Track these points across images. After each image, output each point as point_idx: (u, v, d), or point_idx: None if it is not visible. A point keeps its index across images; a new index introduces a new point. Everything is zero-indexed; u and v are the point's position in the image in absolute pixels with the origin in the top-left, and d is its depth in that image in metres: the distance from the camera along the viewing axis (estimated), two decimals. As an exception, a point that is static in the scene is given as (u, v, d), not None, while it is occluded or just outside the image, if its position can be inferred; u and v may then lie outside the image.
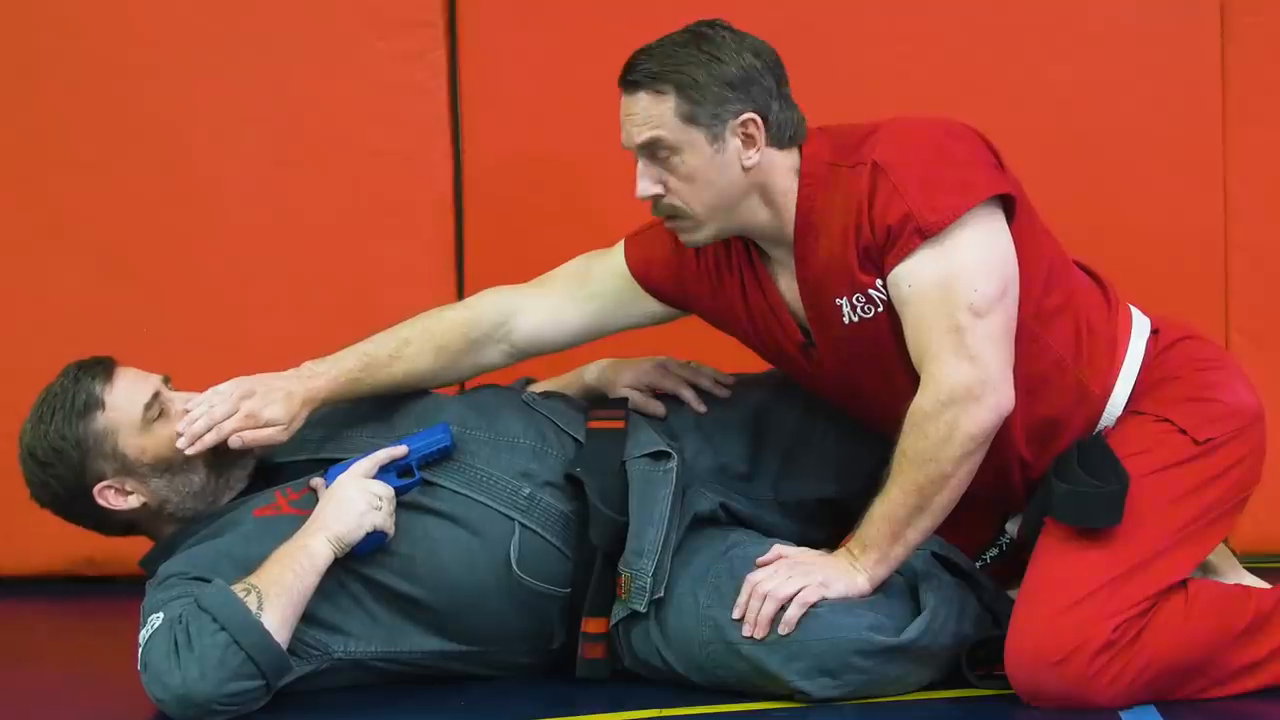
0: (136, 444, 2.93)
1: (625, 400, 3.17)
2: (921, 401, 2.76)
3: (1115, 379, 2.93)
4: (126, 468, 2.93)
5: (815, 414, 3.13)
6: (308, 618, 2.83)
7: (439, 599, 2.92)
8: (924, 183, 2.75)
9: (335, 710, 2.85)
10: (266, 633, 2.74)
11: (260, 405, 2.92)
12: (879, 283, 2.80)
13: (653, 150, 2.83)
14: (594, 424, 3.08)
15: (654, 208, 2.89)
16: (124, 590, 3.36)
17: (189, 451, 2.90)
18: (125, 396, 2.94)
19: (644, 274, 3.07)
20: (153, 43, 3.80)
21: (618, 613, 2.90)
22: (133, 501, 2.95)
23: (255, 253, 3.81)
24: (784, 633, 2.78)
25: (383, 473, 2.94)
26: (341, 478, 2.92)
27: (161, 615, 2.76)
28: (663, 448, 3.00)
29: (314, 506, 2.90)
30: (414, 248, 3.81)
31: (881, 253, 2.77)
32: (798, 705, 2.80)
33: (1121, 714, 2.71)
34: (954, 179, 2.76)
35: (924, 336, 2.76)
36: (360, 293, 3.76)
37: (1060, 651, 2.71)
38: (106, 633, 3.48)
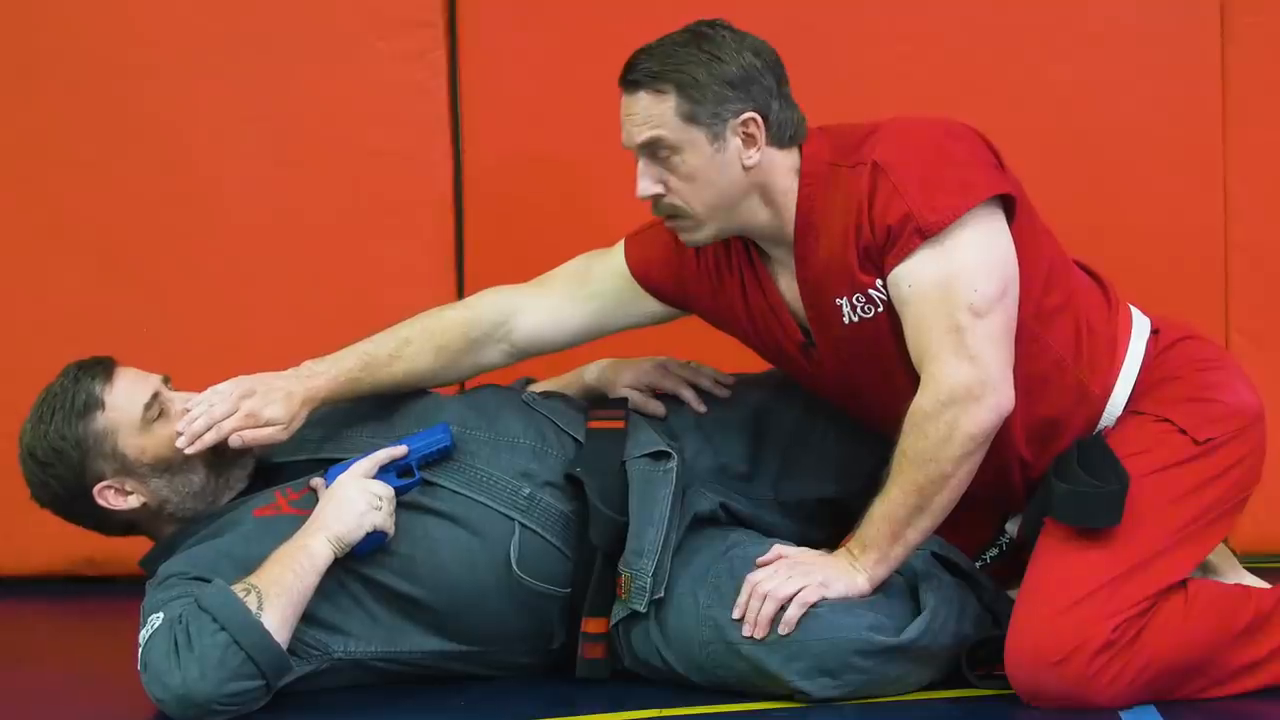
0: (136, 444, 2.93)
1: (625, 400, 3.17)
2: (921, 401, 2.76)
3: (1115, 379, 2.93)
4: (126, 468, 2.93)
5: (815, 414, 3.13)
6: (308, 618, 2.83)
7: (439, 599, 2.92)
8: (924, 183, 2.75)
9: (335, 710, 2.85)
10: (266, 633, 2.74)
11: (260, 405, 2.92)
12: (879, 283, 2.80)
13: (653, 150, 2.83)
14: (594, 424, 3.08)
15: (654, 207, 2.89)
16: (124, 590, 3.35)
17: (189, 451, 2.90)
18: (125, 396, 2.94)
19: (644, 274, 3.07)
20: (153, 43, 3.80)
21: (618, 613, 2.90)
22: (132, 501, 2.95)
23: (255, 253, 3.81)
24: (784, 633, 2.78)
25: (383, 473, 2.94)
26: (341, 478, 2.92)
27: (161, 615, 2.76)
28: (663, 448, 3.00)
29: (314, 506, 2.90)
30: (414, 248, 3.81)
31: (881, 253, 2.77)
32: (798, 705, 2.80)
33: (1121, 714, 2.71)
34: (954, 179, 2.76)
35: (924, 336, 2.76)
36: (360, 293, 3.76)
37: (1060, 651, 2.71)
38: (106, 633, 3.48)
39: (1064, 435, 2.90)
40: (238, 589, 2.76)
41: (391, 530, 2.90)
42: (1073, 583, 2.75)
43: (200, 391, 2.96)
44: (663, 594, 2.87)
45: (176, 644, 2.72)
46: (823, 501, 3.13)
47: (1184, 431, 2.87)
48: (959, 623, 2.86)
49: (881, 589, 2.84)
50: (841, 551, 2.86)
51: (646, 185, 2.86)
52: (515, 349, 3.11)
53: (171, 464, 2.94)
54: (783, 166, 2.86)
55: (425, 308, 3.15)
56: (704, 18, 2.87)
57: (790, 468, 3.13)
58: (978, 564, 3.02)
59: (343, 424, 3.07)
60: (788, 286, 2.93)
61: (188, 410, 2.92)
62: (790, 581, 2.80)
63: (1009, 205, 2.80)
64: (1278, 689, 2.80)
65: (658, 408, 3.18)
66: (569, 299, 3.10)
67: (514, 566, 2.92)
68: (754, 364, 3.17)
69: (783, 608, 2.78)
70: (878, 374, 2.87)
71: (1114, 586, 2.74)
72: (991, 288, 2.75)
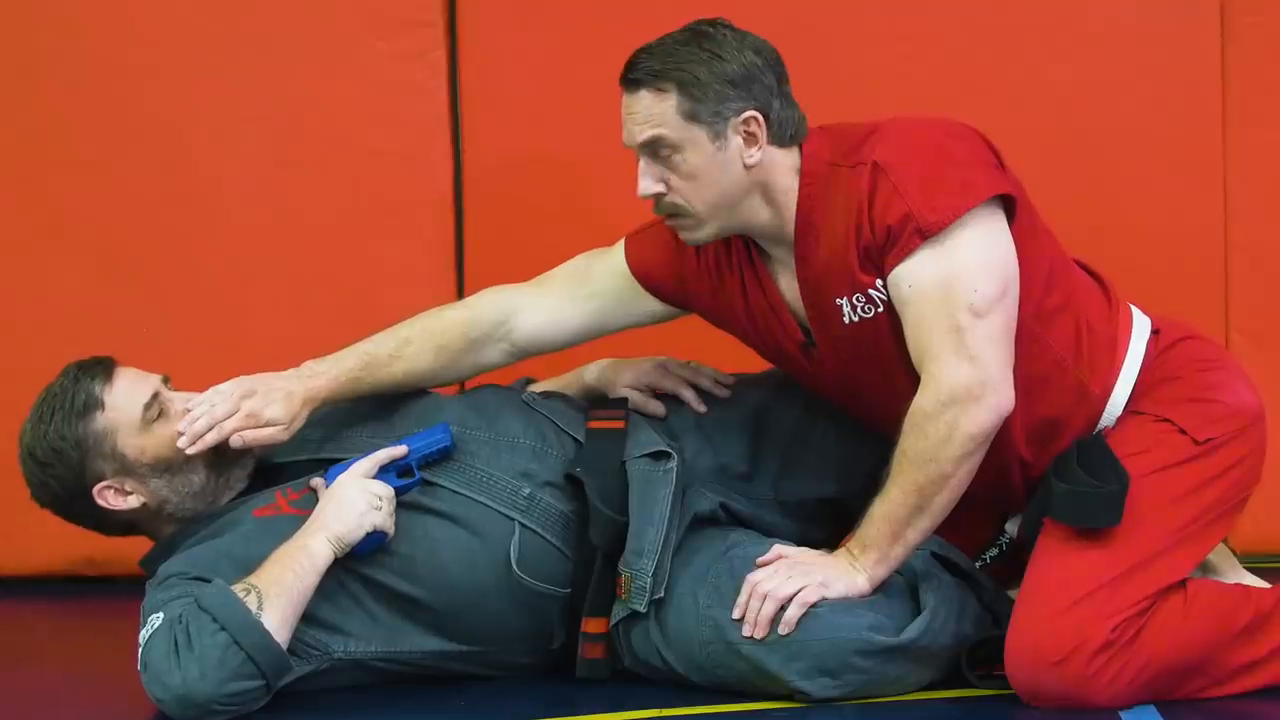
0: (136, 444, 2.93)
1: (625, 400, 3.17)
2: (921, 401, 2.76)
3: (1115, 379, 2.93)
4: (126, 468, 2.93)
5: (815, 414, 3.13)
6: (308, 618, 2.83)
7: (439, 599, 2.92)
8: (924, 183, 2.75)
9: (335, 710, 2.85)
10: (266, 633, 2.74)
11: (261, 405, 2.92)
12: (879, 283, 2.80)
13: (654, 149, 2.83)
14: (594, 424, 3.08)
15: (655, 206, 2.89)
16: (124, 590, 3.35)
17: (190, 451, 2.90)
18: (125, 396, 2.94)
19: (644, 273, 3.07)
20: (153, 43, 3.81)
21: (618, 613, 2.90)
22: (132, 502, 2.95)
23: (255, 253, 3.81)
24: (784, 633, 2.78)
25: (383, 473, 2.94)
26: (341, 478, 2.92)
27: (161, 615, 2.76)
28: (663, 448, 3.00)
29: (314, 506, 2.90)
30: (414, 248, 3.81)
31: (882, 253, 2.77)
32: (798, 705, 2.80)
33: (1121, 714, 2.71)
34: (954, 179, 2.76)
35: (924, 337, 2.76)
36: (360, 293, 3.76)
37: (1060, 651, 2.71)
38: (106, 633, 3.48)
39: (1064, 435, 2.90)
40: (238, 589, 2.76)
41: (391, 530, 2.90)
42: (1072, 583, 2.75)
43: (200, 391, 2.96)
44: (663, 594, 2.87)
45: (176, 644, 2.72)
46: (823, 501, 3.13)
47: (1184, 431, 2.86)
48: (959, 623, 2.86)
49: (881, 589, 2.84)
50: (841, 551, 2.86)
51: (648, 184, 2.86)
52: (515, 349, 3.11)
53: (171, 464, 2.94)
54: (783, 165, 2.86)
55: (425, 308, 3.15)
56: (704, 17, 2.87)
57: (790, 467, 3.13)
58: (978, 564, 3.02)
59: (343, 424, 3.07)
60: (788, 286, 2.93)
61: (188, 410, 2.92)
62: (790, 581, 2.80)
63: (1009, 205, 2.80)
64: (1277, 689, 2.80)
65: (658, 408, 3.18)
66: (569, 298, 3.10)
67: (514, 566, 2.92)
68: (754, 364, 3.17)
69: (783, 608, 2.78)
70: (878, 374, 2.87)
71: (1114, 586, 2.74)
72: (992, 288, 2.75)
